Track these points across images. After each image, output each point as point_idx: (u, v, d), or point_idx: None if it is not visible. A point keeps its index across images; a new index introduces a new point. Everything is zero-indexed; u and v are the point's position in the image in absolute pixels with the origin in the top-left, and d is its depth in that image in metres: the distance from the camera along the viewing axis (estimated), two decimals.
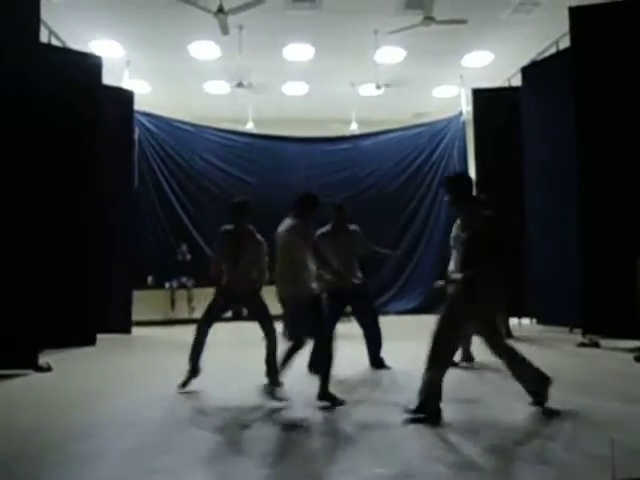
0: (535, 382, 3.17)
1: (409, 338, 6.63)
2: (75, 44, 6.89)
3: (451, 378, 3.26)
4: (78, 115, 5.96)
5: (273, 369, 3.81)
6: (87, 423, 3.05)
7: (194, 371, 3.94)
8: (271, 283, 3.92)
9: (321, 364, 3.50)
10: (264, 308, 4.00)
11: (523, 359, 3.19)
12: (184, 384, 3.90)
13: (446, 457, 2.42)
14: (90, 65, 6.36)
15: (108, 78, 6.92)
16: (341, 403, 3.39)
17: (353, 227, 4.66)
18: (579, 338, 5.80)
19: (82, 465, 2.41)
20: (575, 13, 5.86)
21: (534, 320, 7.48)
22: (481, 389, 3.84)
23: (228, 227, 4.08)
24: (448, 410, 3.04)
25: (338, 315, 4.47)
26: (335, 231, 4.50)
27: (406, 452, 2.49)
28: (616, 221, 5.49)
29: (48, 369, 4.73)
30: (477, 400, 3.51)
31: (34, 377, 4.54)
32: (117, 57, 8.43)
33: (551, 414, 3.04)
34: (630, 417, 2.97)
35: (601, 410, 3.11)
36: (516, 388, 3.21)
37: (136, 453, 2.56)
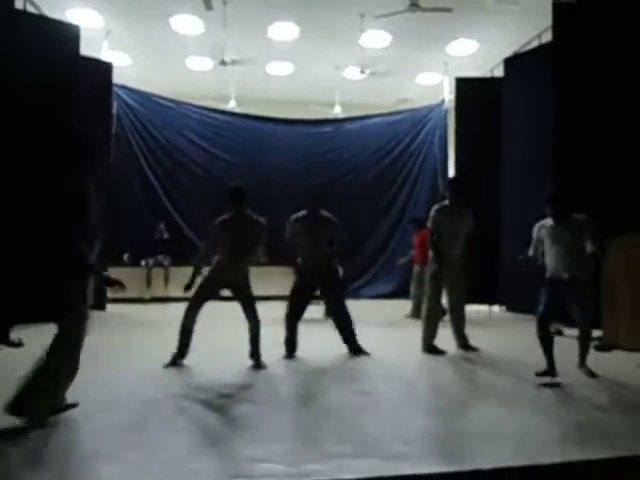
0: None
1: (385, 323, 6.81)
2: (51, 10, 6.65)
3: None
4: (54, 85, 5.79)
5: (256, 351, 4.05)
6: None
7: (181, 354, 4.00)
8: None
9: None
10: (252, 295, 4.11)
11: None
12: (170, 364, 3.96)
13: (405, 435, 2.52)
14: (67, 34, 6.17)
15: (86, 49, 6.72)
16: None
17: (329, 215, 4.68)
18: None
19: (63, 438, 2.44)
20: (559, 8, 5.93)
21: (503, 307, 7.70)
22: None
23: (225, 217, 4.09)
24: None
25: (307, 297, 4.61)
26: (308, 217, 4.56)
27: (371, 431, 2.59)
28: (587, 210, 5.65)
29: (20, 344, 4.70)
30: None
31: (5, 352, 4.50)
32: (96, 27, 8.18)
33: None
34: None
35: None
36: None
37: (112, 429, 2.60)
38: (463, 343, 4.81)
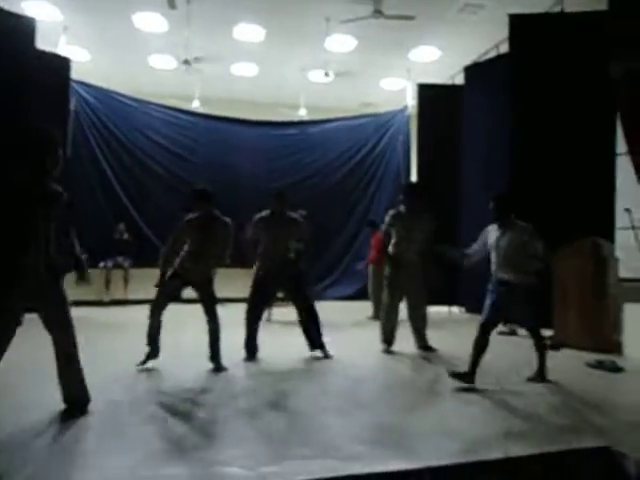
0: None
1: (348, 324, 6.87)
2: (6, 3, 6.40)
3: None
4: (8, 81, 5.59)
5: (217, 353, 4.05)
6: (24, 404, 2.97)
7: (154, 353, 4.03)
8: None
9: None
10: (214, 296, 4.13)
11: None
12: (143, 362, 3.99)
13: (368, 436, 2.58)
14: (22, 27, 5.96)
15: (43, 42, 6.50)
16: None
17: (294, 215, 4.71)
18: (501, 327, 6.21)
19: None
20: (514, 20, 6.17)
21: (463, 309, 7.92)
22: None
23: (191, 216, 4.12)
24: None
25: (268, 297, 4.66)
26: (272, 217, 4.56)
27: (330, 432, 2.63)
28: (540, 215, 5.89)
29: None
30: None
31: None
32: (53, 21, 7.91)
33: None
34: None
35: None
36: None
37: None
38: (423, 344, 4.93)
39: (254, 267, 4.67)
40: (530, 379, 3.80)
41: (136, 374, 3.87)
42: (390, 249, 4.88)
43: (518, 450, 2.27)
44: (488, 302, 3.76)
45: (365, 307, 7.62)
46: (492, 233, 3.91)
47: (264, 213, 4.62)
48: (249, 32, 8.49)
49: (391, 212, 4.91)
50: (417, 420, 2.88)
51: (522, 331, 5.96)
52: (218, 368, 3.99)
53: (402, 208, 4.88)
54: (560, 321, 5.43)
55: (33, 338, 3.07)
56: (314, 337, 4.59)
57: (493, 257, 3.87)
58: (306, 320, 4.60)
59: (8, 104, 5.57)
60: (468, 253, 4.09)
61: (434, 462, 2.20)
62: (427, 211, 4.89)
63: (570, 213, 5.69)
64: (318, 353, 4.58)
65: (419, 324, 4.94)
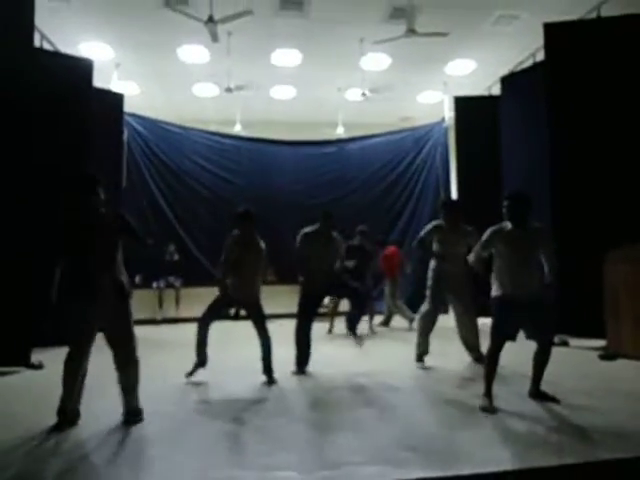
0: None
1: (391, 337, 6.91)
2: (65, 45, 7.00)
3: None
4: (70, 118, 6.06)
5: (269, 366, 4.23)
6: (88, 416, 3.19)
7: (201, 362, 4.28)
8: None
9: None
10: (262, 313, 4.31)
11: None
12: (191, 373, 4.26)
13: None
14: (81, 68, 6.47)
15: (98, 79, 7.03)
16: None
17: (335, 234, 4.84)
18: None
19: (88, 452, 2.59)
20: (549, 29, 6.17)
21: None
22: None
23: (235, 233, 4.34)
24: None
25: (315, 312, 4.80)
26: (317, 234, 4.70)
27: (381, 442, 2.72)
28: (584, 222, 5.81)
29: (40, 366, 4.87)
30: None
31: (26, 374, 4.67)
32: (107, 59, 8.53)
33: None
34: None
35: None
36: None
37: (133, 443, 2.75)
38: (476, 356, 4.85)
39: (300, 281, 4.81)
40: (537, 395, 3.53)
41: (187, 387, 4.07)
42: (433, 264, 4.89)
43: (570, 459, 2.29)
44: (500, 318, 3.42)
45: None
46: (499, 234, 3.48)
47: (309, 229, 4.75)
48: (286, 57, 8.84)
49: (430, 225, 4.93)
50: (462, 429, 2.92)
51: (575, 341, 5.84)
52: (270, 381, 4.16)
53: (442, 223, 4.88)
54: (613, 330, 5.28)
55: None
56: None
57: (504, 263, 3.44)
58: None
59: (71, 139, 6.04)
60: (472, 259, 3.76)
61: (484, 469, 2.26)
62: (468, 225, 4.88)
63: (617, 219, 5.57)
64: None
65: (469, 336, 4.89)
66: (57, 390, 3.02)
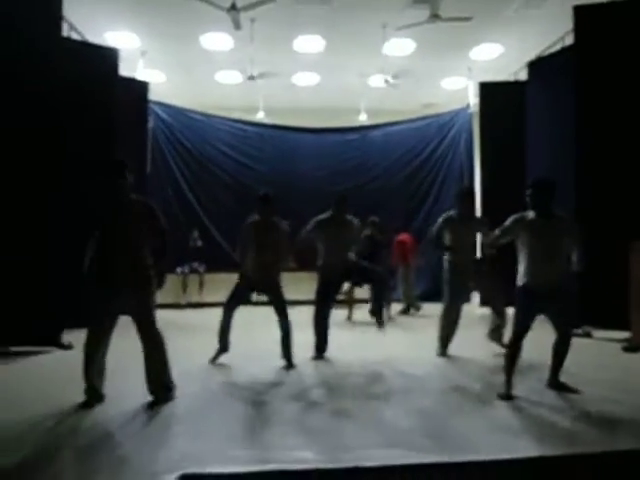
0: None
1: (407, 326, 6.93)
2: (92, 34, 7.13)
3: None
4: (96, 106, 6.22)
5: (288, 351, 4.30)
6: (115, 395, 3.34)
7: (223, 348, 4.38)
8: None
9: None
10: (282, 297, 4.36)
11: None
12: (214, 359, 4.36)
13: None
14: (108, 57, 6.61)
15: (124, 67, 7.16)
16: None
17: (351, 218, 4.84)
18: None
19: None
20: (580, 12, 5.98)
21: None
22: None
23: (254, 218, 4.39)
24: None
25: (333, 297, 4.89)
26: (331, 219, 4.71)
27: (395, 425, 2.77)
28: (611, 210, 5.68)
29: (69, 347, 5.07)
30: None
31: (57, 354, 4.88)
32: (133, 47, 8.65)
33: None
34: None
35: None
36: None
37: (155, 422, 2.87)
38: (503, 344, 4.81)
39: (318, 266, 4.82)
40: (555, 385, 3.53)
41: (210, 369, 4.21)
42: (448, 256, 4.83)
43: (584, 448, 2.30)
44: (521, 310, 3.42)
45: (433, 307, 7.61)
46: (523, 223, 3.42)
47: (323, 216, 4.77)
48: (309, 43, 8.79)
49: (440, 220, 4.83)
50: (482, 417, 2.95)
51: (598, 332, 5.75)
52: (289, 365, 4.25)
53: (452, 214, 4.81)
54: (638, 322, 5.18)
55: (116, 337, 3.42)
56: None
57: (527, 252, 3.40)
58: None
59: (97, 127, 6.19)
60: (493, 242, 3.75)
61: (497, 456, 2.28)
62: (478, 216, 4.82)
63: None
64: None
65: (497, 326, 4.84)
66: None
